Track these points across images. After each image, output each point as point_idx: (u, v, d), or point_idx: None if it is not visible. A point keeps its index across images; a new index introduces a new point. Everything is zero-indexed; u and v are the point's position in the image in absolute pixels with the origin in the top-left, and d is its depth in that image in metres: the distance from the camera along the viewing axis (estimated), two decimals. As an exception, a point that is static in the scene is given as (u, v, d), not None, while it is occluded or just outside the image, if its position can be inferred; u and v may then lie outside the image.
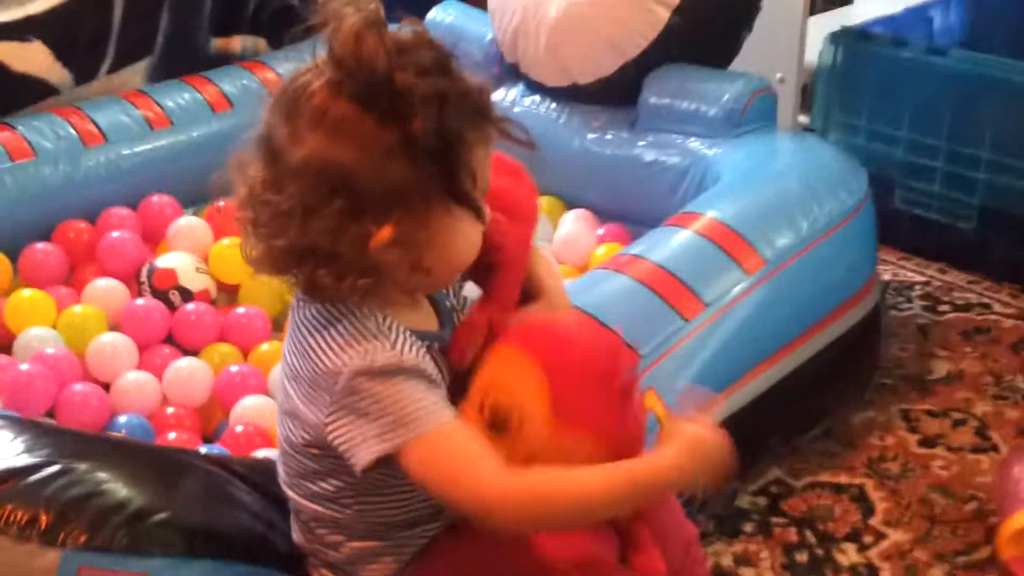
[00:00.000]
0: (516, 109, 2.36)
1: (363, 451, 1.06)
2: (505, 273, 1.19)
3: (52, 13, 2.37)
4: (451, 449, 1.06)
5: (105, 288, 2.09)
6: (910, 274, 2.47)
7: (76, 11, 2.41)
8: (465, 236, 1.10)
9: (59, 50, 2.38)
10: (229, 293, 2.17)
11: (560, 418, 1.11)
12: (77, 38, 2.42)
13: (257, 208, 1.08)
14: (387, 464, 1.07)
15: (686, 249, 1.73)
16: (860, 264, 1.96)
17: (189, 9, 2.59)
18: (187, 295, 2.08)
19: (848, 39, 2.47)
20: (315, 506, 1.16)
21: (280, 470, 1.20)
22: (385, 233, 1.04)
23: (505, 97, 2.38)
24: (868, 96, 2.46)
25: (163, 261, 2.12)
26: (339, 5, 1.04)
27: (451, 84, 1.05)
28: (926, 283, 2.43)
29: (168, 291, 2.08)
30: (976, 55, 2.35)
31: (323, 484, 1.14)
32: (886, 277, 2.42)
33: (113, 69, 2.48)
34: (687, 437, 1.10)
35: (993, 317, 2.30)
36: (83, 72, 2.43)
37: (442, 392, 1.10)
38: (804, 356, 1.81)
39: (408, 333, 1.10)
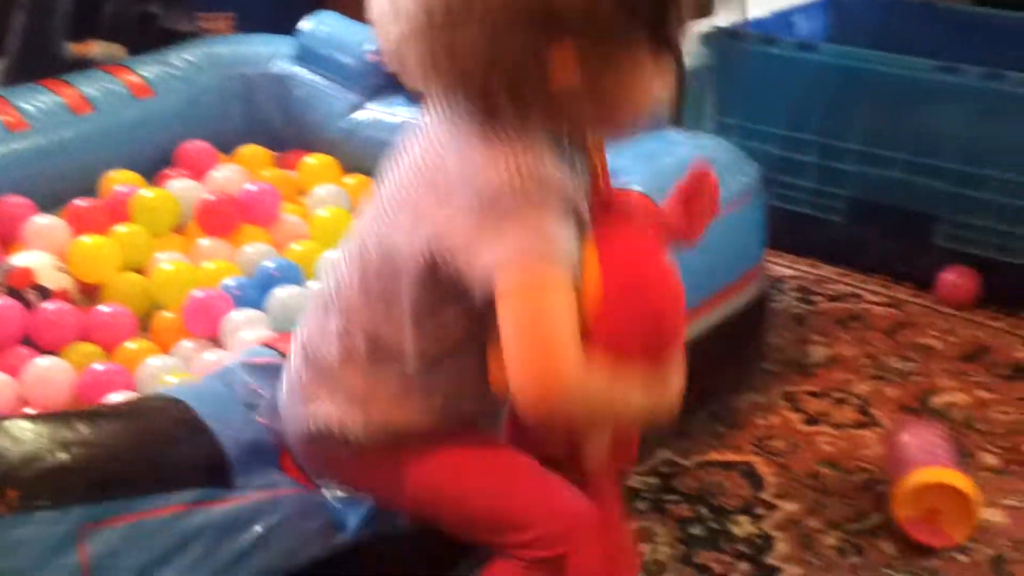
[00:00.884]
0: (397, 119, 2.30)
1: (484, 255, 1.05)
2: None
3: None
4: (555, 307, 1.03)
5: (-45, 289, 1.97)
6: (783, 269, 2.49)
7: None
8: (652, 85, 1.08)
9: (-97, 48, 2.27)
10: (90, 295, 2.06)
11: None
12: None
13: (439, 30, 1.04)
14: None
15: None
16: (750, 247, 1.98)
17: (43, 12, 2.49)
18: (45, 294, 1.97)
19: (718, 38, 2.49)
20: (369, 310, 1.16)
21: (334, 277, 1.22)
22: (570, 52, 1.02)
23: (386, 108, 2.34)
24: (741, 95, 2.48)
25: (19, 259, 2.00)
26: None
27: None
28: (798, 277, 2.46)
29: (24, 290, 1.97)
30: (845, 48, 2.40)
31: (407, 290, 1.13)
32: (761, 273, 2.44)
33: (-38, 70, 2.37)
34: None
35: (865, 306, 2.33)
36: (-70, 72, 2.32)
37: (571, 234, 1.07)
38: (694, 333, 1.79)
39: (566, 172, 1.07)
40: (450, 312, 1.13)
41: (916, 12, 2.74)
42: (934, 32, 2.67)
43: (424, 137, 1.15)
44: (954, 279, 2.31)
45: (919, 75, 2.28)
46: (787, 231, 2.49)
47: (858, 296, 2.38)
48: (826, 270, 2.49)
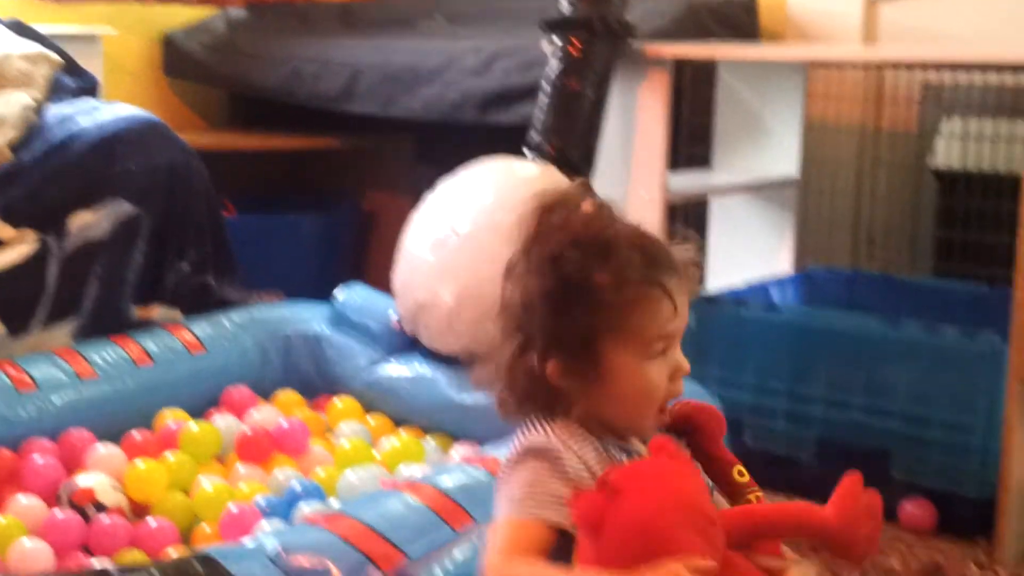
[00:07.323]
0: (413, 373, 2.67)
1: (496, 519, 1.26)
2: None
3: (-7, 276, 2.67)
4: (509, 530, 1.23)
5: (27, 504, 2.26)
6: (764, 507, 2.74)
7: (14, 275, 2.71)
8: (636, 374, 1.26)
9: (-2, 307, 2.66)
10: (139, 514, 2.35)
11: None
12: (14, 298, 2.70)
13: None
14: None
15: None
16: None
17: (114, 279, 2.88)
18: (102, 509, 2.26)
19: (697, 303, 2.84)
20: None
21: None
22: (553, 365, 1.26)
23: (405, 364, 2.71)
24: (717, 350, 2.82)
25: (82, 480, 2.31)
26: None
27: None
28: (777, 514, 2.70)
29: (85, 506, 2.27)
30: (804, 309, 2.76)
31: None
32: (742, 510, 2.69)
33: (44, 326, 2.75)
34: None
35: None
36: (17, 327, 2.70)
37: (566, 489, 1.22)
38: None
39: (573, 431, 1.27)
40: None
41: (877, 283, 3.11)
42: (893, 300, 3.03)
43: None
44: (912, 509, 2.56)
45: (867, 330, 2.62)
46: (763, 470, 2.76)
47: (830, 530, 2.61)
48: (802, 507, 2.73)
